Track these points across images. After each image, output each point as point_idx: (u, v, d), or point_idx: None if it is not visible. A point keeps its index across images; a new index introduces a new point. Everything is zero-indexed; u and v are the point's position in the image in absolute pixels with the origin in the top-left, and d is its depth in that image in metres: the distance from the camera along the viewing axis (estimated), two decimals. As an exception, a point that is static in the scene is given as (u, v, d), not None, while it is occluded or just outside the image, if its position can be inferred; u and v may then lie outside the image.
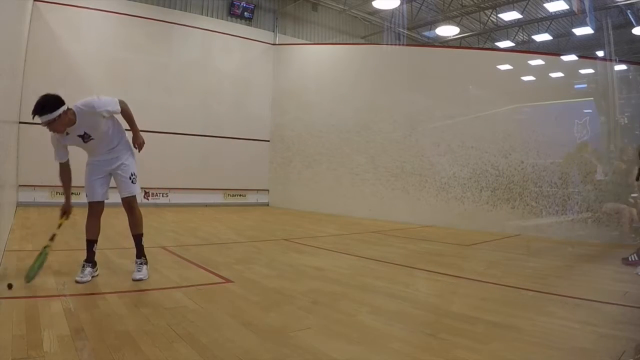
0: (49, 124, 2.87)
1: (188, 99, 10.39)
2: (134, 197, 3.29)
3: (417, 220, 7.85)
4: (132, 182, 3.25)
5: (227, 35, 11.14)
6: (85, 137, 3.08)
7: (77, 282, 3.01)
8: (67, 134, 3.03)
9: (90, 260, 3.19)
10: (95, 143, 3.15)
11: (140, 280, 3.14)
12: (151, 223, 6.57)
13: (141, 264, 3.25)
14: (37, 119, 2.84)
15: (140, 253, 3.28)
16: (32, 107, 2.80)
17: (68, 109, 2.92)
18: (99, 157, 3.24)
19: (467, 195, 7.44)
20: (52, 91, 2.93)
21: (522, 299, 3.04)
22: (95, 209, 3.25)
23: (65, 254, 3.68)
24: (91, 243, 3.23)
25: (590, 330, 2.33)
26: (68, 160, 3.15)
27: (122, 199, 3.28)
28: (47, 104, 2.83)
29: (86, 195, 3.25)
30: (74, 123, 2.98)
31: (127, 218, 3.31)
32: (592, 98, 6.54)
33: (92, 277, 3.15)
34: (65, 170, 3.16)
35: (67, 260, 3.56)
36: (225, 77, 11.01)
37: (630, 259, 4.25)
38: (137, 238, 3.29)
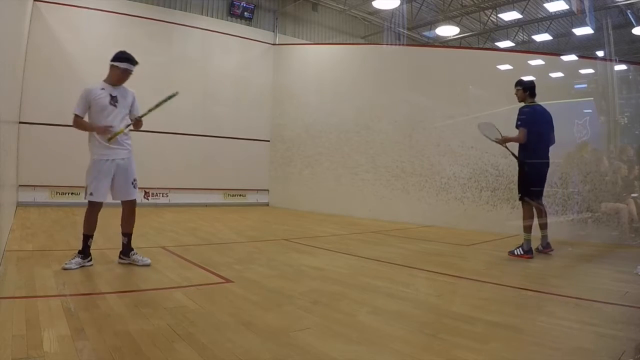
0: (129, 73, 3.52)
1: (188, 99, 10.38)
2: (135, 200, 3.63)
3: (417, 220, 7.85)
4: (134, 187, 3.60)
5: (227, 35, 11.14)
6: (113, 100, 3.45)
7: (62, 268, 3.27)
8: (103, 89, 3.47)
9: (83, 251, 3.44)
10: (117, 112, 3.47)
11: (149, 264, 3.54)
12: (151, 223, 6.55)
13: (136, 253, 3.64)
14: (129, 66, 3.49)
15: (131, 246, 3.65)
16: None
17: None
18: (115, 142, 3.42)
19: (467, 196, 7.43)
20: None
21: (522, 299, 3.04)
22: (99, 207, 3.49)
23: (65, 254, 3.68)
24: (87, 237, 3.45)
25: (590, 330, 2.33)
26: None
27: (127, 201, 3.56)
28: (132, 57, 3.53)
29: (90, 194, 3.41)
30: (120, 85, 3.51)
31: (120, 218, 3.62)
32: (592, 98, 6.54)
33: (82, 267, 3.38)
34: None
35: (67, 259, 3.55)
36: (225, 77, 11.01)
37: (515, 252, 4.46)
38: (130, 235, 3.67)
